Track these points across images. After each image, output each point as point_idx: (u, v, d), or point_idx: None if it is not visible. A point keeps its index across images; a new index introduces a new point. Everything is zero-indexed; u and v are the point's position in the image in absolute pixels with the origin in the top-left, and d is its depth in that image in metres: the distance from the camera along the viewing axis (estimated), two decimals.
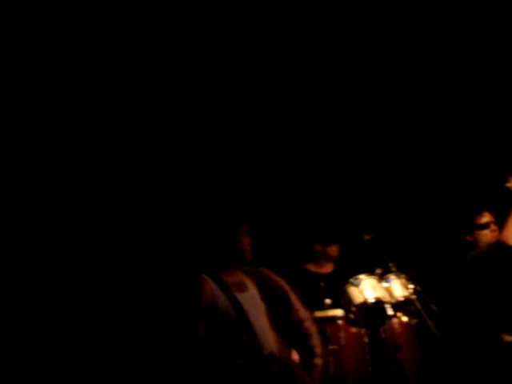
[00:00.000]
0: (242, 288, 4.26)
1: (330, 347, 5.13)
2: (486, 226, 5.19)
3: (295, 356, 4.99)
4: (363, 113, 6.40)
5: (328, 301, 5.25)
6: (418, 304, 5.13)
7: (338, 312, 5.30)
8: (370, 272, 5.38)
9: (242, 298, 4.18)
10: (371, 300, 5.22)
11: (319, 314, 5.26)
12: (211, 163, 5.88)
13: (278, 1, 5.99)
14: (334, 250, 5.84)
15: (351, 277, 5.37)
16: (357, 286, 5.28)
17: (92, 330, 5.00)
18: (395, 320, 5.29)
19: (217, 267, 4.23)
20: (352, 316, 5.29)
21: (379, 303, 5.23)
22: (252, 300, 4.26)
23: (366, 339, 5.23)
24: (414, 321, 5.30)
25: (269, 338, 4.21)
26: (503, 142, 6.06)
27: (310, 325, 4.73)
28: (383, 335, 5.21)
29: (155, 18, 5.82)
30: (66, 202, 5.29)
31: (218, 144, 5.95)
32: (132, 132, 5.65)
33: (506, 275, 4.79)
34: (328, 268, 5.89)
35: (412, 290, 5.22)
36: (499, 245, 4.74)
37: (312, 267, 5.87)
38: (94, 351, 4.96)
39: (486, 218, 5.22)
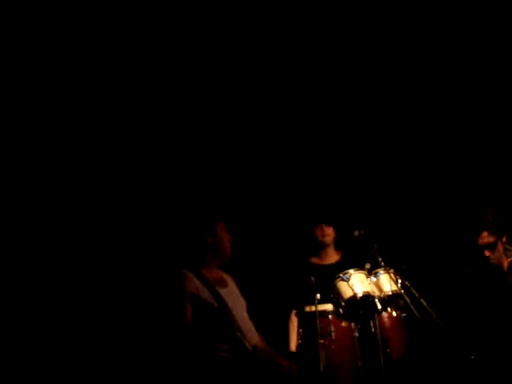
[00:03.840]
0: (222, 284, 4.35)
1: (321, 341, 5.18)
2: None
3: None
4: (356, 111, 6.42)
5: (318, 295, 5.29)
6: (406, 298, 5.17)
7: (328, 306, 5.35)
8: (359, 267, 5.42)
9: (223, 292, 4.26)
10: (360, 294, 5.25)
11: (309, 308, 5.31)
12: (191, 160, 5.89)
13: (279, 1, 6.02)
14: (321, 233, 5.78)
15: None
16: (346, 280, 5.32)
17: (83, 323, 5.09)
18: (385, 314, 5.33)
19: (197, 263, 4.31)
20: (342, 311, 5.35)
21: (368, 298, 5.27)
22: (233, 295, 4.34)
23: (356, 333, 5.28)
24: (403, 315, 5.34)
25: (251, 332, 4.29)
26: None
27: None
28: (373, 329, 5.25)
29: (155, 18, 5.87)
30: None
31: (200, 141, 5.97)
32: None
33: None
34: (332, 258, 5.86)
35: (400, 285, 5.26)
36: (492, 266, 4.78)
37: (315, 260, 5.86)
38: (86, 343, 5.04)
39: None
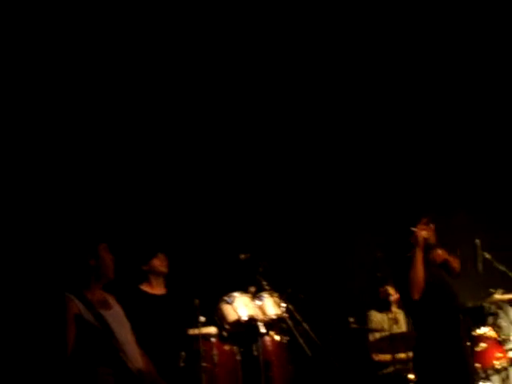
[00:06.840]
0: (106, 306, 4.23)
1: (203, 365, 5.14)
2: None
3: None
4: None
5: (202, 318, 5.25)
6: (289, 322, 5.23)
7: (212, 330, 5.32)
8: (243, 290, 5.44)
9: (107, 315, 4.14)
10: (244, 318, 5.27)
11: (193, 331, 5.27)
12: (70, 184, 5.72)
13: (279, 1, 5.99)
14: (157, 263, 5.67)
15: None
16: (230, 303, 5.33)
17: None
18: (267, 338, 5.36)
19: (80, 285, 4.19)
20: (225, 334, 5.34)
21: (252, 321, 5.29)
22: (117, 317, 4.23)
23: (238, 357, 5.27)
24: (286, 339, 5.38)
25: (136, 354, 4.20)
26: None
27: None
28: (255, 353, 5.27)
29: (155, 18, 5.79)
30: None
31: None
32: None
33: None
34: (160, 289, 5.71)
35: (284, 309, 5.31)
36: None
37: (146, 287, 5.68)
38: None
39: None
